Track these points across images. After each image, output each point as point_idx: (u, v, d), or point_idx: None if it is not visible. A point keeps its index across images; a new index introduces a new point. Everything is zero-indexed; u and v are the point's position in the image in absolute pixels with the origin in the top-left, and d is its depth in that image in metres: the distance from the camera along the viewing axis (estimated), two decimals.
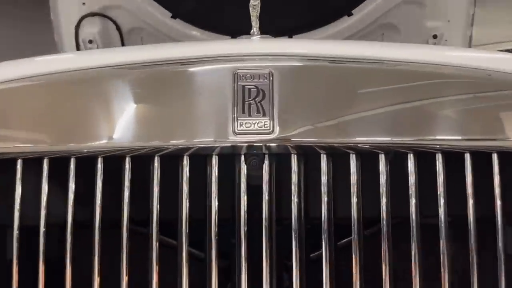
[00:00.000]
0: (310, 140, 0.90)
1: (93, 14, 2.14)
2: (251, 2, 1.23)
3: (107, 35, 2.21)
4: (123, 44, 2.25)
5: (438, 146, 0.90)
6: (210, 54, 0.98)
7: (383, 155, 0.90)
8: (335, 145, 0.90)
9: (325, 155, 0.91)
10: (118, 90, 0.96)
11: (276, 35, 2.19)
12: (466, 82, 0.96)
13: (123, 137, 0.91)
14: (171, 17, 2.19)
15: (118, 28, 2.20)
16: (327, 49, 1.04)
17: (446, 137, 0.92)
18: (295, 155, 0.91)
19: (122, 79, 0.97)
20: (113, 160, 0.92)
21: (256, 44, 1.16)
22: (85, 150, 0.92)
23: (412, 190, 0.90)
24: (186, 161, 0.91)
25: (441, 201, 0.89)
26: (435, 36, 2.15)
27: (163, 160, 0.91)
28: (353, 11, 2.16)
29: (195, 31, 2.23)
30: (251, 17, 1.23)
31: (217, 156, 0.90)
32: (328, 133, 0.91)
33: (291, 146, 0.90)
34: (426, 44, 2.17)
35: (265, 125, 0.88)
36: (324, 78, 0.96)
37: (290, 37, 2.23)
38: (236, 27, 2.23)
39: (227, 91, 0.90)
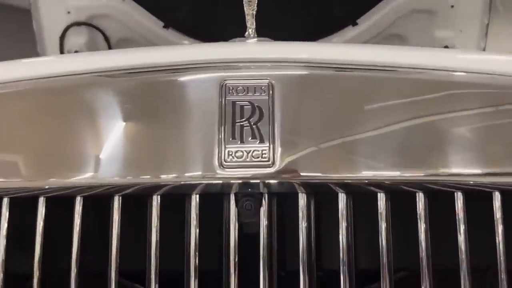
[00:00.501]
0: (324, 177, 0.70)
1: (79, 24, 1.99)
2: None
3: (95, 46, 2.06)
4: None
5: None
6: (190, 60, 0.78)
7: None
8: (359, 181, 0.70)
9: (344, 194, 0.70)
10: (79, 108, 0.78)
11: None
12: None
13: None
14: (163, 26, 2.04)
15: (106, 38, 2.05)
16: (344, 54, 0.84)
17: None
18: (304, 195, 0.70)
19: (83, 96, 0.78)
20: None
21: (251, 48, 0.96)
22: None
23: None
24: (155, 202, 0.70)
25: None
26: (446, 47, 2.00)
27: (126, 201, 0.71)
28: (358, 21, 2.02)
29: (189, 42, 2.08)
30: (246, 16, 1.05)
31: (197, 196, 0.70)
32: (349, 165, 0.71)
33: (298, 183, 0.70)
34: None
35: (263, 155, 0.68)
36: (340, 91, 0.78)
37: None
38: (231, 35, 2.11)
39: (212, 108, 0.70)
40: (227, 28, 2.10)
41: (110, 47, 2.07)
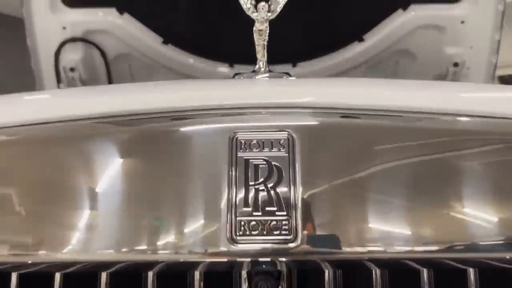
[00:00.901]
0: (359, 253, 0.56)
1: (75, 40, 1.91)
2: (256, 27, 0.95)
3: (91, 62, 1.99)
4: (108, 73, 2.02)
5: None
6: (195, 106, 0.66)
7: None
8: (399, 258, 0.57)
9: (379, 270, 0.57)
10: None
11: (278, 63, 1.99)
12: None
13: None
14: (163, 42, 1.97)
15: (103, 54, 1.97)
16: (374, 96, 0.72)
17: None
18: (330, 270, 0.57)
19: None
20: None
21: (265, 89, 0.83)
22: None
23: None
24: (150, 280, 0.57)
25: None
26: (456, 64, 1.93)
27: (115, 277, 0.58)
28: (364, 37, 1.95)
29: (189, 58, 2.01)
30: (256, 46, 0.96)
31: (201, 274, 0.57)
32: (388, 239, 0.58)
33: (327, 260, 0.57)
34: (446, 72, 1.95)
35: (283, 227, 0.55)
36: (373, 141, 0.64)
37: (294, 64, 2.02)
38: (235, 53, 2.04)
39: (220, 167, 0.58)
40: (229, 44, 2.05)
41: (107, 63, 2.00)
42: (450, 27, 1.88)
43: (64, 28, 1.89)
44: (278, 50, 1.99)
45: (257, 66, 0.96)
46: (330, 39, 2.00)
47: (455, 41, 1.90)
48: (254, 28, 0.95)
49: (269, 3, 0.94)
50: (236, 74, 1.05)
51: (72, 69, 1.96)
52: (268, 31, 0.95)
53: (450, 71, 1.95)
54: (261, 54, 0.96)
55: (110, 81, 2.05)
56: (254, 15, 0.94)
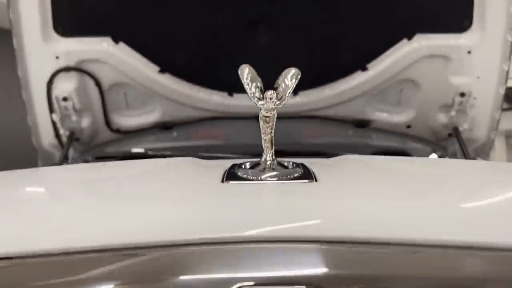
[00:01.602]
0: None
1: (68, 69, 1.84)
2: (262, 113, 0.86)
3: (85, 91, 1.92)
4: (103, 102, 1.95)
5: None
6: (186, 240, 0.56)
7: None
8: None
9: None
10: None
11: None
12: None
13: None
14: (159, 71, 1.90)
15: (98, 84, 1.91)
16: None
17: None
18: None
19: None
20: None
21: (272, 212, 0.67)
22: None
23: None
24: None
25: None
26: (462, 94, 1.87)
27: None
28: (368, 66, 1.89)
29: (187, 87, 1.94)
30: (262, 135, 0.87)
31: None
32: None
33: None
34: (452, 102, 1.89)
35: None
36: None
37: (296, 93, 1.96)
38: (234, 82, 1.97)
39: None
40: (228, 72, 1.98)
41: (102, 93, 1.93)
42: (457, 57, 1.82)
43: (57, 57, 1.82)
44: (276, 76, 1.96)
45: (263, 158, 0.88)
46: (333, 68, 1.94)
47: (461, 71, 1.84)
48: (260, 115, 0.87)
49: (277, 91, 0.87)
50: (232, 168, 0.90)
51: (65, 99, 1.89)
52: (275, 118, 0.86)
53: (456, 101, 1.89)
54: (268, 146, 0.87)
55: (105, 111, 1.98)
56: (260, 104, 0.86)
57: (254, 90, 0.86)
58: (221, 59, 1.95)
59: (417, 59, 1.84)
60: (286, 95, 0.87)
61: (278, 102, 0.86)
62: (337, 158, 1.09)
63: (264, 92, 0.85)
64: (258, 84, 0.89)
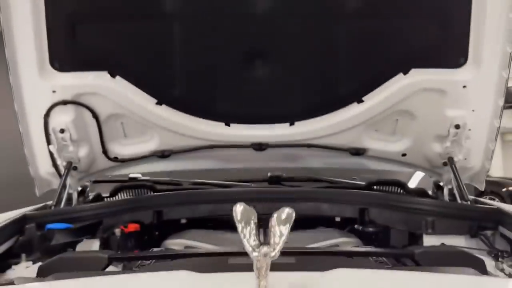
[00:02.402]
0: None
1: (65, 103, 1.85)
2: (256, 265, 0.85)
3: (82, 123, 1.93)
4: (100, 132, 1.96)
5: None
6: None
7: None
8: None
9: None
10: None
11: (278, 121, 1.94)
12: None
13: None
14: (157, 103, 1.91)
15: (95, 115, 1.91)
16: None
17: None
18: None
19: None
20: None
21: None
22: None
23: None
24: None
25: None
26: (457, 126, 1.89)
27: None
28: (364, 98, 1.90)
29: (184, 118, 1.95)
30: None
31: None
32: None
33: None
34: (447, 133, 1.91)
35: None
36: None
37: (292, 123, 1.98)
38: (231, 112, 1.98)
39: None
40: (225, 103, 1.99)
41: (99, 124, 1.94)
42: (452, 91, 1.84)
43: (54, 91, 1.83)
44: (276, 108, 1.97)
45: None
46: (329, 99, 1.96)
47: (456, 104, 1.87)
48: (254, 264, 0.84)
49: (270, 241, 0.85)
50: None
51: (62, 131, 1.90)
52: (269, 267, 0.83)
53: (451, 133, 1.91)
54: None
55: (102, 140, 1.99)
56: (254, 254, 0.84)
57: (248, 237, 0.85)
58: (218, 91, 1.97)
59: (412, 92, 1.86)
60: (280, 244, 0.85)
61: (273, 255, 0.84)
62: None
63: (259, 226, 0.83)
64: (252, 225, 0.86)
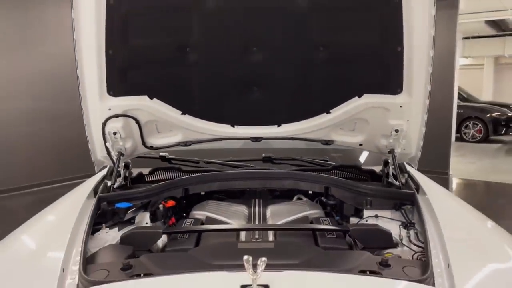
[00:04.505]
0: None
1: (117, 116, 2.59)
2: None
3: (128, 127, 2.68)
4: (141, 132, 2.73)
5: None
6: None
7: None
8: None
9: None
10: None
11: (269, 124, 2.69)
12: None
13: None
14: (181, 113, 2.66)
15: (137, 122, 2.67)
16: None
17: None
18: None
19: None
20: None
21: None
22: None
23: None
24: None
25: None
26: (397, 130, 2.66)
27: None
28: (331, 111, 2.65)
29: (201, 123, 2.71)
30: None
31: None
32: None
33: None
34: (390, 134, 2.68)
35: None
36: None
37: (279, 125, 2.74)
38: (233, 117, 2.73)
39: None
40: (231, 111, 2.73)
41: (140, 127, 2.70)
42: (393, 108, 2.58)
43: (109, 109, 2.57)
44: (267, 116, 2.72)
45: None
46: (305, 110, 2.69)
47: (396, 117, 2.61)
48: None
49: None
50: None
51: (114, 133, 2.67)
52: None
53: (393, 134, 2.68)
54: None
55: (142, 136, 2.76)
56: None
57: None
58: (225, 104, 2.70)
59: (365, 109, 2.60)
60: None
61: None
62: None
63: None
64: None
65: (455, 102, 10.36)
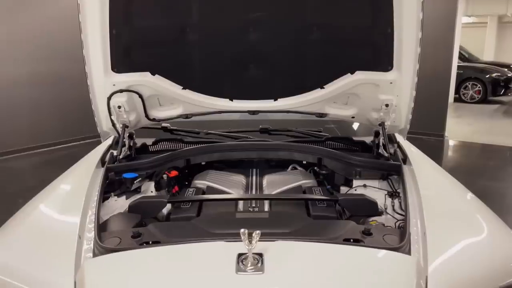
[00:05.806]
0: None
1: (121, 91, 2.73)
2: None
3: (132, 101, 2.83)
4: (144, 105, 2.87)
5: None
6: None
7: None
8: None
9: None
10: None
11: (266, 98, 2.83)
12: None
13: None
14: (182, 88, 2.79)
15: (140, 96, 2.81)
16: None
17: None
18: None
19: None
20: None
21: None
22: None
23: None
24: None
25: None
26: (387, 105, 2.80)
27: None
28: (324, 86, 2.78)
29: (201, 97, 2.85)
30: None
31: None
32: None
33: None
34: (381, 108, 2.82)
35: None
36: None
37: (276, 99, 2.88)
38: (232, 92, 2.86)
39: None
40: (228, 86, 2.87)
41: (143, 101, 2.84)
42: (383, 84, 2.71)
43: (114, 85, 2.70)
44: (265, 90, 2.86)
45: None
46: (301, 86, 2.83)
47: (386, 92, 2.75)
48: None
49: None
50: None
51: (119, 107, 2.81)
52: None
53: (383, 108, 2.83)
54: None
55: (145, 109, 2.90)
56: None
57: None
58: (224, 79, 2.83)
59: (357, 84, 2.73)
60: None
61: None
62: None
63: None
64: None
65: (455, 64, 10.37)
